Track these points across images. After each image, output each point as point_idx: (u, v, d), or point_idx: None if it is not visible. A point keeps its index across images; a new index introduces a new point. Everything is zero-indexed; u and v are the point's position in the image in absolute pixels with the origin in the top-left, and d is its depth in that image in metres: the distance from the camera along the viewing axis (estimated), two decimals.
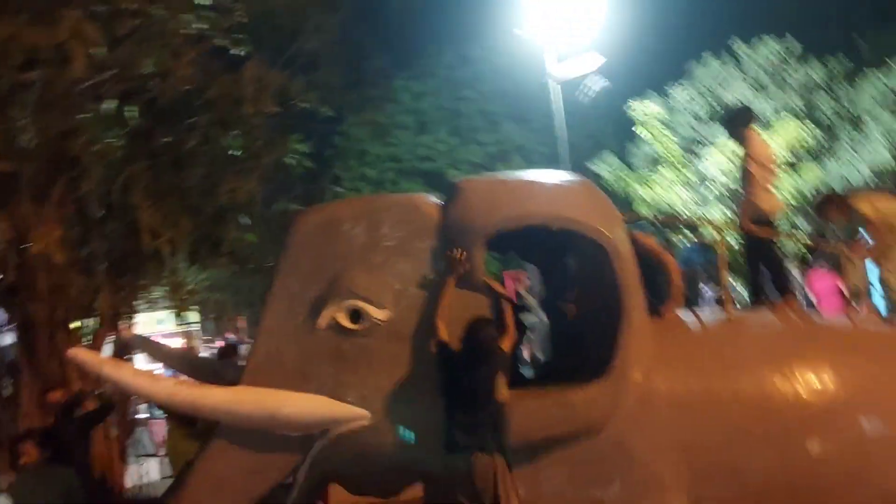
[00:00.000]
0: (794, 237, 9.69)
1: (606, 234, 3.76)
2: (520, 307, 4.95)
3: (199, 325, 18.66)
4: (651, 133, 14.75)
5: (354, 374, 3.76)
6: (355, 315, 3.76)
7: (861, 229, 5.15)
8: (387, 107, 18.20)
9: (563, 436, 3.66)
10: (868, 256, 5.16)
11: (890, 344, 4.15)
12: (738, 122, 5.18)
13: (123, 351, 6.95)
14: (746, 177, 4.94)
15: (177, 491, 3.86)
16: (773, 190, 5.12)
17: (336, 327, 3.77)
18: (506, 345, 3.72)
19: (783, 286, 4.89)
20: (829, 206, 5.27)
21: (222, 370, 4.87)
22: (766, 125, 14.19)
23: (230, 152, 7.33)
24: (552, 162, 15.87)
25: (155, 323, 14.03)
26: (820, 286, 9.73)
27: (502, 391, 3.68)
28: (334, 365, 3.78)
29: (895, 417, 3.71)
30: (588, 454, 3.68)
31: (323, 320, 3.78)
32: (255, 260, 8.20)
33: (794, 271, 13.20)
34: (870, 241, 4.98)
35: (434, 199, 4.07)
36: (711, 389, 3.78)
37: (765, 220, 4.89)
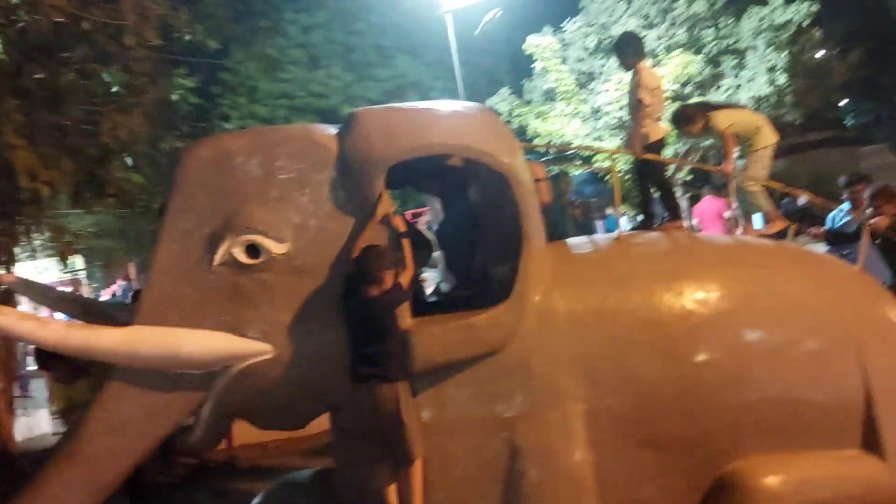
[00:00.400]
0: (680, 163, 10.08)
1: (507, 161, 3.80)
2: (421, 242, 4.97)
3: (86, 272, 17.91)
4: (547, 66, 14.91)
5: (254, 310, 3.70)
6: (253, 250, 3.68)
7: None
8: (276, 41, 17.62)
9: (468, 357, 3.75)
10: (736, 174, 5.26)
11: (767, 257, 4.40)
12: (628, 50, 5.23)
13: (5, 297, 6.59)
14: (637, 105, 5.04)
15: (72, 437, 3.72)
16: (662, 119, 5.25)
17: (233, 263, 3.68)
18: (404, 278, 3.75)
19: (673, 210, 5.09)
20: (685, 118, 5.36)
21: (114, 312, 4.72)
22: (655, 58, 14.60)
23: (111, 88, 6.93)
24: (449, 97, 15.85)
25: (37, 272, 13.35)
26: (704, 211, 10.28)
27: (406, 320, 3.73)
28: (233, 301, 3.70)
29: (773, 326, 3.96)
30: (491, 373, 3.79)
31: (219, 256, 3.68)
32: (142, 202, 7.87)
33: (681, 198, 13.76)
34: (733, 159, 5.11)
35: (331, 130, 3.99)
36: (605, 305, 3.93)
37: (654, 147, 5.03)
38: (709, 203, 10.34)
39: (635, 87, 5.05)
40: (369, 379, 3.63)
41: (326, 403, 4.03)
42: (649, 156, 4.94)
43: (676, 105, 13.56)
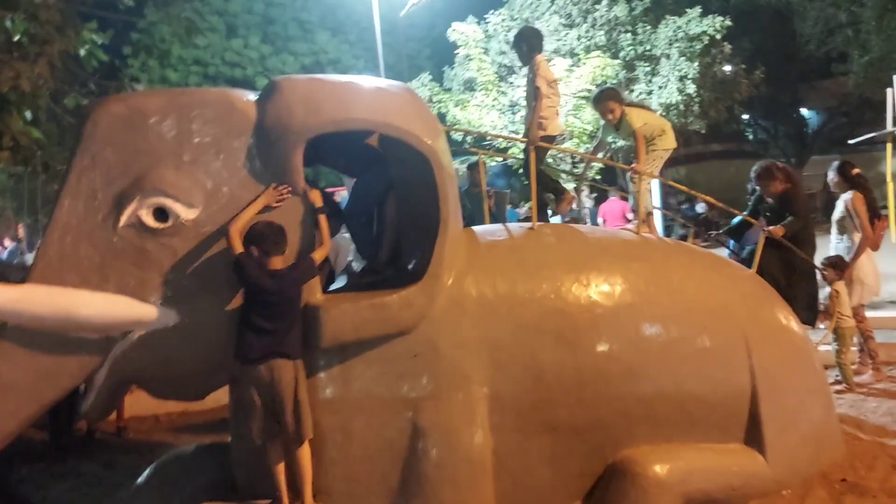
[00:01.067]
0: (590, 159, 10.32)
1: (430, 143, 3.79)
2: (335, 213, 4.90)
3: None
4: (470, 54, 14.97)
5: (158, 275, 3.59)
6: (161, 213, 3.56)
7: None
8: (194, 5, 17.02)
9: (377, 336, 3.75)
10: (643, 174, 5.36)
11: (668, 255, 4.59)
12: (524, 45, 5.30)
13: None
14: (535, 93, 5.10)
15: None
16: (557, 113, 5.34)
17: (139, 226, 3.55)
18: (318, 254, 3.72)
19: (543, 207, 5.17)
20: (613, 94, 5.46)
21: (4, 271, 4.51)
22: (574, 57, 14.88)
23: (14, 36, 6.54)
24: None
25: None
26: (609, 210, 10.70)
27: (317, 296, 3.69)
28: (137, 265, 3.57)
29: (670, 322, 4.13)
30: (400, 353, 3.81)
31: (125, 218, 3.53)
32: (40, 158, 7.47)
33: (587, 198, 14.12)
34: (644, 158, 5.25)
35: (250, 97, 3.89)
36: (514, 292, 4.01)
37: (546, 141, 5.11)
38: (614, 203, 10.74)
39: (534, 76, 5.12)
40: (265, 357, 3.57)
41: (226, 376, 3.94)
42: (545, 144, 5.02)
43: (587, 105, 13.93)
